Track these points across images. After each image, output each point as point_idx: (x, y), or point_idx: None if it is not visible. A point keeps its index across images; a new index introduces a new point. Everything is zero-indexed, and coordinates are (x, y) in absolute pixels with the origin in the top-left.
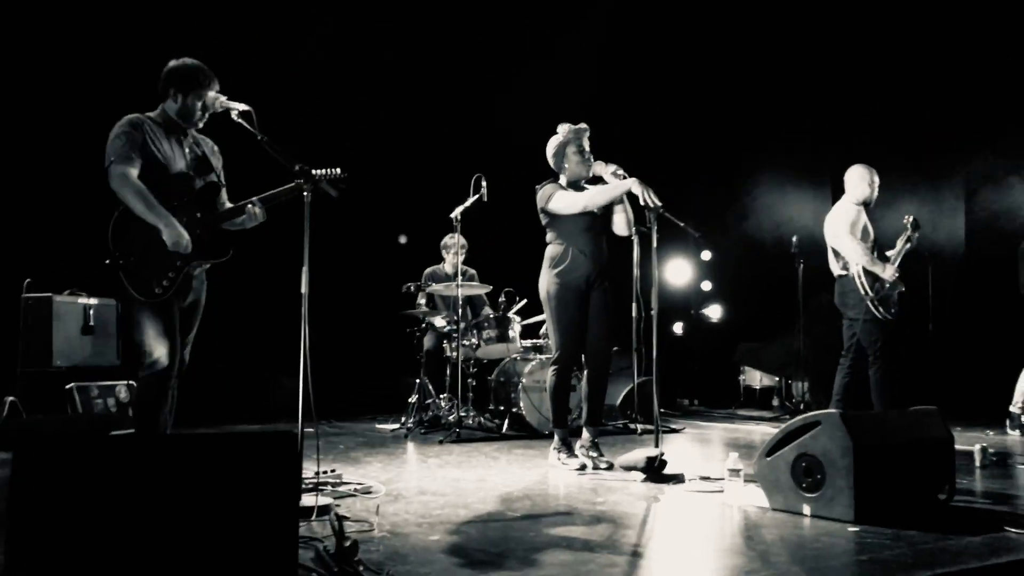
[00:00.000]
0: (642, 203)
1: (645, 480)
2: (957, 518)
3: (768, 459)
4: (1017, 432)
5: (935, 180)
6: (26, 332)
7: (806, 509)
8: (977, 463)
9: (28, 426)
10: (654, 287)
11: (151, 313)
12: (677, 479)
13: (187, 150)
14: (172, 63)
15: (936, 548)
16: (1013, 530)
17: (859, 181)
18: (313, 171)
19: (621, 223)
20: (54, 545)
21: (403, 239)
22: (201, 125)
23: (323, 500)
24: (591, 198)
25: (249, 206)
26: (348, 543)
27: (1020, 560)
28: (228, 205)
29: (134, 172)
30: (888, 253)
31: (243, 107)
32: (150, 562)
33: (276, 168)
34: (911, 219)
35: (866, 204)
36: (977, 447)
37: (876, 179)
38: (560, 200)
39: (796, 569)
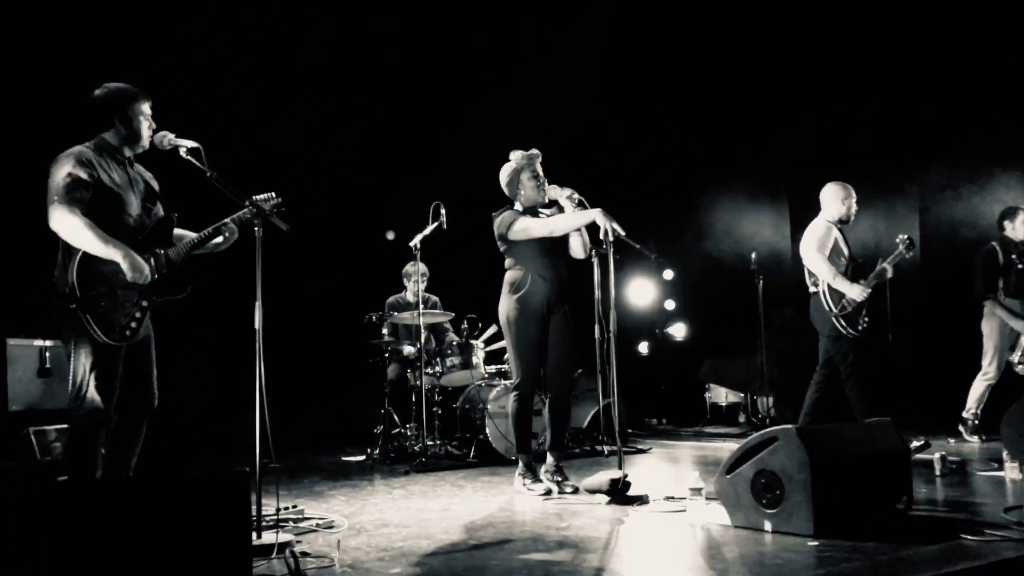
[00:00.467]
0: (601, 235)
1: (610, 503)
2: (915, 528)
3: (728, 476)
4: (975, 438)
5: (889, 193)
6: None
7: (767, 525)
8: (937, 472)
9: None
10: (611, 308)
11: (101, 354)
12: (641, 500)
13: (134, 181)
14: (100, 91)
15: (894, 559)
16: (969, 537)
17: (832, 199)
18: (255, 198)
19: (577, 247)
20: None
21: (391, 235)
22: (147, 143)
23: (283, 537)
24: (553, 225)
25: (224, 227)
26: None
27: (975, 567)
28: (187, 235)
29: (79, 211)
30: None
31: (191, 144)
32: None
33: (224, 204)
34: (905, 238)
35: (841, 222)
36: (936, 456)
37: (852, 197)
38: (521, 228)
39: None
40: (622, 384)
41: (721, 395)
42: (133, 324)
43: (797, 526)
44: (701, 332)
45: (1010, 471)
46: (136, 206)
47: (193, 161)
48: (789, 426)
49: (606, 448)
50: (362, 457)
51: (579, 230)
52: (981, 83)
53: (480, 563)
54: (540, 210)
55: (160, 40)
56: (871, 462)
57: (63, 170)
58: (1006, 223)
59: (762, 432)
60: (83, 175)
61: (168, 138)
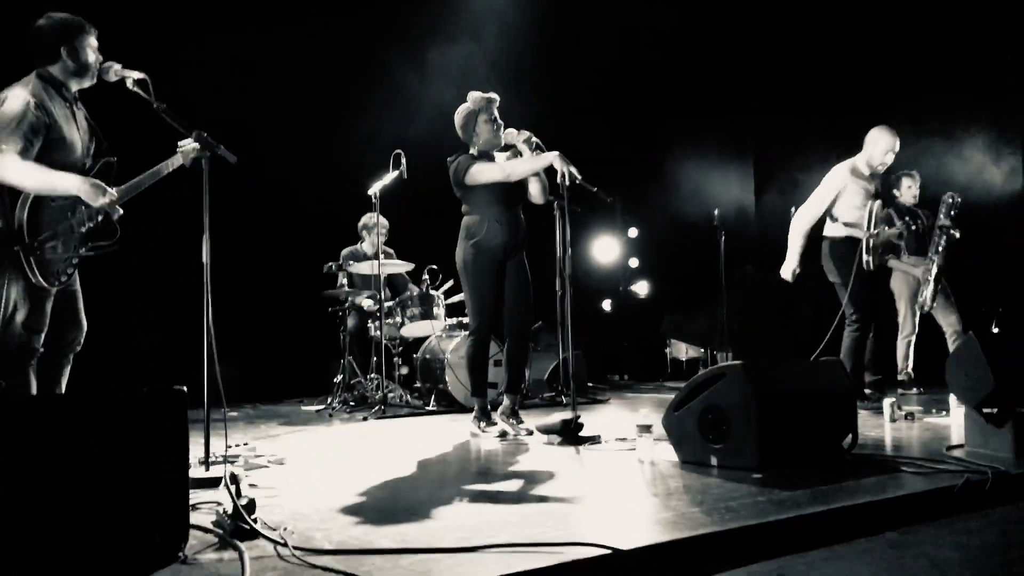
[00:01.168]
0: (559, 179)
1: (562, 443)
2: (858, 464)
3: (676, 413)
4: (914, 390)
5: (857, 148)
6: None
7: (713, 460)
8: (887, 417)
9: None
10: (567, 253)
11: (32, 292)
12: (593, 440)
13: (78, 120)
14: (45, 21)
15: (832, 489)
16: (909, 470)
17: (867, 143)
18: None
19: (536, 191)
20: None
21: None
22: (96, 78)
23: (233, 471)
24: (510, 169)
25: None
26: (245, 501)
27: (911, 494)
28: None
29: (31, 153)
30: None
31: (139, 75)
32: (36, 528)
33: (172, 136)
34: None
35: (871, 170)
36: (887, 402)
37: (884, 143)
38: (478, 172)
39: (695, 511)
40: (584, 340)
41: (681, 350)
42: (69, 270)
43: (742, 460)
44: (664, 290)
45: (956, 415)
46: (80, 147)
47: (140, 93)
48: (736, 362)
49: (565, 398)
50: (321, 407)
51: (537, 174)
52: (947, 34)
53: (426, 493)
54: (495, 155)
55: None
56: (817, 400)
57: (14, 108)
58: (894, 191)
59: (710, 368)
60: (38, 115)
61: (115, 68)
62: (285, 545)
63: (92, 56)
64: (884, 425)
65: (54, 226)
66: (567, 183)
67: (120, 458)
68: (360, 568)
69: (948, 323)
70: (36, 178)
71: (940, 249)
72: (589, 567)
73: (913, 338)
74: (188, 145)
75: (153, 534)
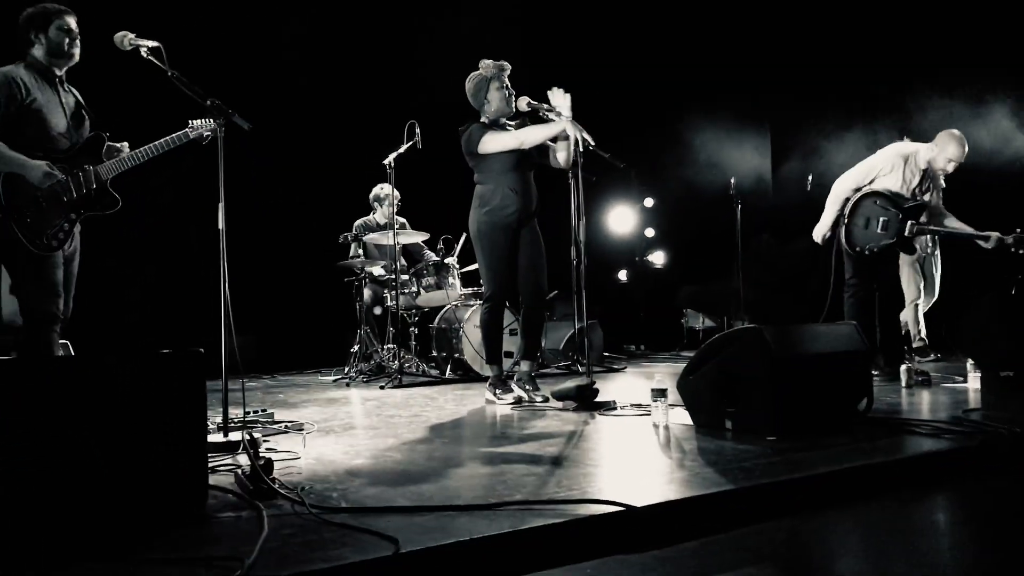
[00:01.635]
0: (574, 145)
1: (577, 409)
2: (873, 426)
3: (691, 377)
4: (930, 356)
5: (872, 119)
6: None
7: (728, 424)
8: (903, 383)
9: None
10: (581, 218)
11: (34, 262)
12: (608, 406)
13: (63, 99)
14: (24, 13)
15: (847, 449)
16: (924, 432)
17: (938, 144)
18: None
19: (563, 158)
20: None
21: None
22: (76, 55)
23: (252, 433)
24: (523, 137)
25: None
26: (263, 462)
27: (925, 453)
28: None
29: None
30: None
31: (152, 43)
32: (59, 485)
33: (188, 105)
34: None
35: (928, 167)
36: (903, 367)
37: (951, 152)
38: (490, 141)
39: (709, 471)
40: (600, 310)
41: (698, 320)
42: (61, 235)
43: (756, 424)
44: (680, 259)
45: (973, 381)
46: (64, 124)
47: (154, 61)
48: (751, 326)
49: (581, 367)
50: (338, 377)
51: (568, 142)
52: (972, 2)
53: (442, 455)
54: (505, 122)
55: None
56: (832, 363)
57: None
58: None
59: (724, 332)
60: (9, 89)
61: (128, 38)
62: (303, 504)
63: (65, 38)
64: (900, 391)
65: (31, 193)
66: (580, 149)
67: (140, 418)
68: (377, 525)
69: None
70: None
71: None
72: (603, 524)
73: (920, 303)
74: (199, 123)
75: (173, 492)
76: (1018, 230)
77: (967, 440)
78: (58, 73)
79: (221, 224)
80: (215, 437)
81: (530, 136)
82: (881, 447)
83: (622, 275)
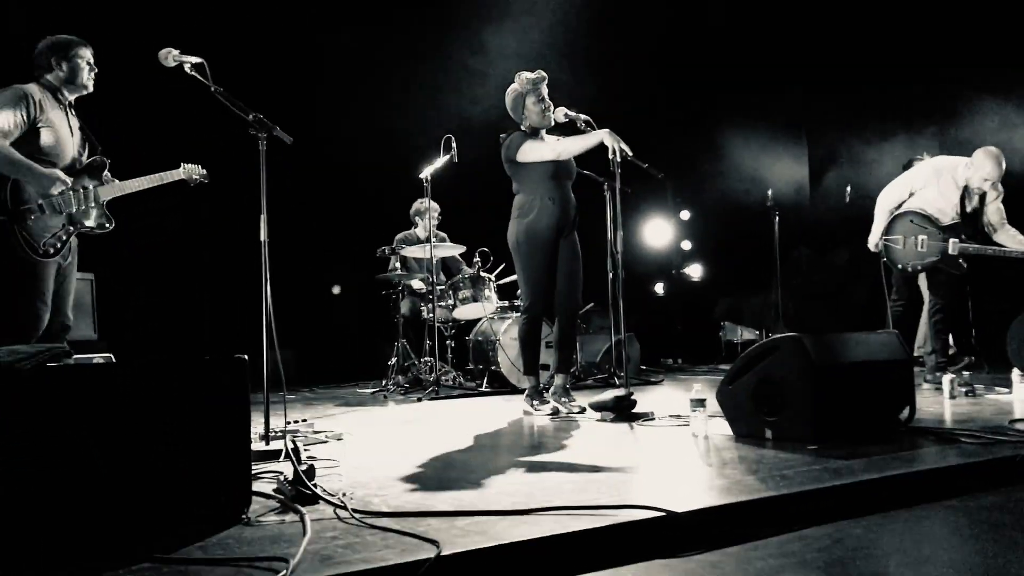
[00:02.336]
0: (610, 155)
1: (615, 420)
2: (916, 435)
3: (730, 387)
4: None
5: (910, 133)
6: None
7: (768, 433)
8: (946, 394)
9: None
10: (617, 234)
11: (36, 275)
12: (647, 417)
13: (71, 122)
14: (42, 42)
15: (889, 457)
16: (969, 441)
17: (976, 162)
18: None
19: None
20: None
21: (336, 290)
22: (91, 88)
23: (294, 440)
24: (560, 148)
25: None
26: (305, 467)
27: (969, 463)
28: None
29: (8, 135)
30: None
31: (196, 60)
32: (98, 489)
33: (231, 119)
34: None
35: (966, 183)
36: (946, 378)
37: (992, 178)
38: (529, 150)
39: (750, 478)
40: (637, 323)
41: (736, 333)
42: (58, 244)
43: (797, 433)
44: (717, 272)
45: (1019, 390)
46: (72, 144)
47: (198, 76)
48: (791, 334)
49: (617, 380)
50: (376, 389)
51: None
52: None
53: (479, 464)
54: (544, 134)
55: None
56: (873, 371)
57: (8, 95)
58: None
59: (764, 341)
60: (28, 104)
61: (173, 54)
62: (344, 508)
63: (85, 69)
64: (943, 401)
65: (36, 199)
66: (618, 160)
67: (184, 423)
68: (417, 528)
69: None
70: (6, 163)
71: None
72: (643, 529)
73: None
74: (191, 167)
75: (217, 496)
76: None
77: (1013, 449)
78: (69, 99)
79: (263, 236)
80: (257, 446)
81: (568, 147)
82: (924, 455)
83: (659, 288)
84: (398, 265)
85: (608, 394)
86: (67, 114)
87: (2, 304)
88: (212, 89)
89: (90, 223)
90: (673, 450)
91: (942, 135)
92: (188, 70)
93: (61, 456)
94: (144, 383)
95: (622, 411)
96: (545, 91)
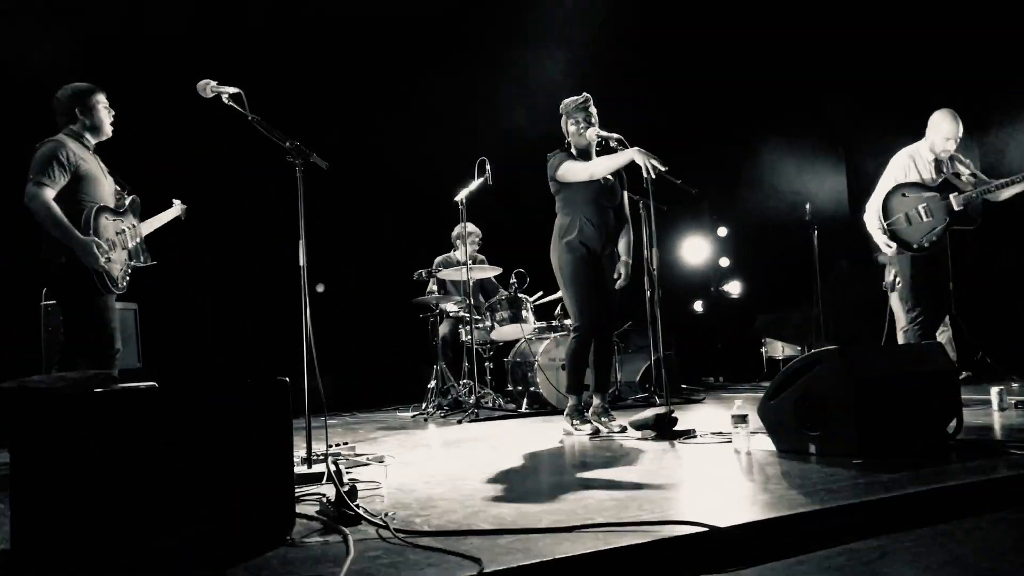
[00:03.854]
0: (645, 173)
1: (656, 438)
2: (964, 448)
3: (772, 402)
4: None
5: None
6: (47, 339)
7: (812, 448)
8: (995, 406)
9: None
10: (653, 251)
11: (106, 307)
12: (688, 434)
13: (100, 165)
14: (61, 92)
15: (937, 470)
16: (1019, 453)
17: (928, 129)
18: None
19: None
20: (54, 499)
21: (320, 288)
22: (110, 131)
23: (336, 461)
24: (593, 168)
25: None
26: (347, 488)
27: (1018, 475)
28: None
29: (51, 192)
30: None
31: (233, 90)
32: (146, 511)
33: (269, 146)
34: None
35: (934, 155)
36: (994, 390)
37: (945, 129)
38: (567, 170)
39: (793, 493)
40: (677, 341)
41: (777, 349)
42: (127, 279)
43: (841, 447)
44: (756, 288)
45: None
46: (107, 189)
47: (235, 107)
48: (832, 347)
49: (658, 399)
50: (416, 412)
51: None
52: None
53: (522, 483)
54: (593, 154)
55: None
56: (917, 383)
57: (45, 151)
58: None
59: (805, 355)
60: (62, 159)
61: (211, 85)
62: (387, 528)
63: (104, 112)
64: (992, 413)
65: (110, 236)
66: (651, 177)
67: (228, 445)
68: (460, 547)
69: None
70: (46, 215)
71: None
72: (687, 544)
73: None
74: (177, 206)
75: (261, 518)
76: None
77: None
78: (93, 143)
79: (302, 261)
80: (300, 469)
81: (599, 167)
82: (973, 468)
83: (698, 306)
84: (435, 288)
85: (648, 412)
86: (96, 158)
87: (85, 336)
88: (250, 118)
89: (140, 260)
90: (715, 466)
91: (980, 147)
92: (226, 100)
93: (108, 478)
94: (188, 406)
95: (663, 429)
96: (591, 112)
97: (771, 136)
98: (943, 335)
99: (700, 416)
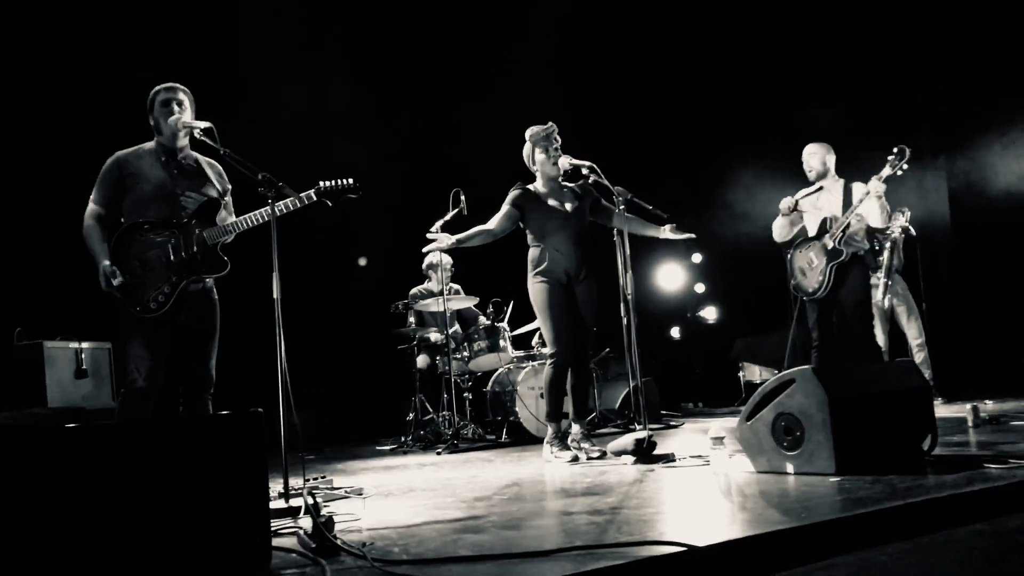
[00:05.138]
0: (616, 197)
1: (636, 462)
2: (939, 464)
3: (748, 423)
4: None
5: (915, 161)
6: (18, 379)
7: (789, 467)
8: (969, 423)
9: None
10: (628, 276)
11: (141, 332)
12: (667, 459)
13: (176, 171)
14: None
15: (913, 485)
16: (993, 466)
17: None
18: (322, 183)
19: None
20: (21, 536)
21: (363, 261)
22: (183, 137)
23: (312, 493)
24: (467, 236)
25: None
26: (324, 519)
27: (994, 487)
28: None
29: (93, 209)
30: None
31: (204, 124)
32: (117, 547)
33: (240, 178)
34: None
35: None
36: (968, 407)
37: (815, 148)
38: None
39: (772, 511)
40: (655, 368)
41: (755, 373)
42: (161, 298)
43: (819, 466)
44: (733, 313)
45: None
46: (171, 200)
47: (207, 140)
48: (806, 367)
49: (638, 425)
50: (395, 445)
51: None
52: (1000, 37)
53: (502, 510)
54: (563, 183)
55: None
56: (892, 400)
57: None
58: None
59: (779, 375)
60: (108, 177)
61: (183, 120)
62: (365, 558)
63: (163, 117)
64: (967, 430)
65: (141, 254)
66: (622, 200)
67: (201, 479)
68: (437, 574)
69: (910, 335)
70: (87, 232)
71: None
72: (665, 564)
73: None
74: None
75: (236, 551)
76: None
77: None
78: (168, 148)
79: (276, 293)
80: (277, 504)
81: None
82: (948, 482)
83: (675, 332)
84: (412, 320)
85: (627, 438)
86: (167, 166)
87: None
88: (221, 152)
89: (200, 269)
90: (694, 488)
91: (949, 168)
92: (198, 135)
93: (78, 513)
94: (160, 441)
95: (642, 454)
96: (555, 140)
97: (744, 161)
98: (919, 355)
99: (679, 441)
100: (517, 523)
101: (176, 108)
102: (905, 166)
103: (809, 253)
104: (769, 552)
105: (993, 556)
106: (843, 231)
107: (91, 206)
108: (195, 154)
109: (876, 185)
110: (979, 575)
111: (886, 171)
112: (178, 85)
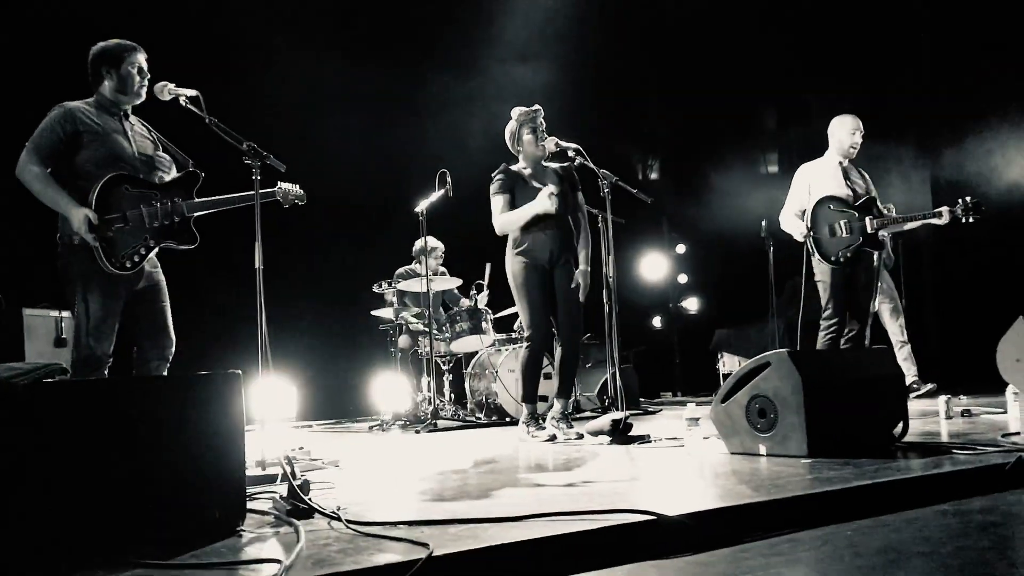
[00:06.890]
0: (600, 181)
1: (612, 443)
2: (910, 449)
3: (723, 405)
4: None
5: (902, 158)
6: None
7: (762, 449)
8: (942, 414)
9: None
10: (611, 262)
11: (104, 290)
12: (643, 439)
13: (127, 128)
14: (93, 48)
15: (882, 467)
16: (961, 452)
17: (831, 135)
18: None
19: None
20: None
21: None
22: (143, 95)
23: (288, 456)
24: (505, 221)
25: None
26: (300, 482)
27: (960, 470)
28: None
29: (35, 157)
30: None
31: (191, 92)
32: (94, 501)
33: (226, 148)
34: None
35: (844, 156)
36: (942, 399)
37: (848, 123)
38: (495, 218)
39: (742, 487)
40: (635, 357)
41: (733, 364)
42: (136, 258)
43: (791, 448)
44: (714, 304)
45: (1014, 408)
46: (131, 151)
47: (193, 109)
48: (782, 350)
49: (615, 409)
50: (375, 423)
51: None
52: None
53: (476, 483)
54: (545, 164)
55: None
56: (866, 386)
57: (44, 120)
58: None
59: (755, 358)
60: (57, 129)
61: (168, 87)
62: (339, 519)
63: (135, 76)
64: (939, 421)
65: (124, 209)
66: (608, 184)
67: (178, 437)
68: (410, 535)
69: (892, 332)
70: (35, 180)
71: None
72: (634, 531)
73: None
74: (287, 186)
75: (212, 510)
76: (961, 200)
77: (1003, 458)
78: (124, 107)
79: (258, 263)
80: (254, 471)
81: (509, 221)
82: (915, 466)
83: (656, 322)
84: (394, 300)
85: (604, 418)
86: (124, 125)
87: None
88: (207, 120)
89: (173, 238)
90: (667, 466)
91: (933, 168)
92: (184, 103)
93: (55, 467)
94: (139, 398)
95: (619, 434)
96: (541, 123)
97: (727, 153)
98: (903, 350)
99: (656, 425)
100: (491, 493)
101: (145, 72)
102: (972, 219)
103: (842, 220)
104: (735, 523)
105: (954, 532)
106: (885, 224)
107: (32, 155)
108: (136, 117)
109: (944, 219)
110: (938, 549)
111: (957, 210)
112: (139, 46)
